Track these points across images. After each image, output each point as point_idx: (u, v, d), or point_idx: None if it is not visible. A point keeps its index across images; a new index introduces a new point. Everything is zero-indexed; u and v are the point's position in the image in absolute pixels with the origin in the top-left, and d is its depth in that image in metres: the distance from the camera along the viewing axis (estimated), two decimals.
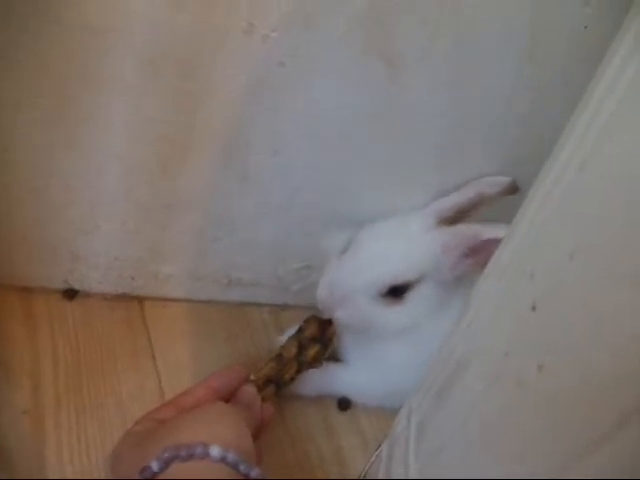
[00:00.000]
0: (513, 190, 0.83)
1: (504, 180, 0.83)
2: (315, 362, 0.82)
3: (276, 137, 0.79)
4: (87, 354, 0.85)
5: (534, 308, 0.44)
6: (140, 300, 0.93)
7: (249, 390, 0.75)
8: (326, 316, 0.82)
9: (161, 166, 0.79)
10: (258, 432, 0.72)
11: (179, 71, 0.71)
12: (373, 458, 0.77)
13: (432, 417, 0.62)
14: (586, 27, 0.73)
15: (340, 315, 0.81)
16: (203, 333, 0.92)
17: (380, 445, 0.76)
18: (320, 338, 0.82)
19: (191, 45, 0.69)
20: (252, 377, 0.77)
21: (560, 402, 0.43)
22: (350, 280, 0.81)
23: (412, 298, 0.82)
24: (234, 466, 0.59)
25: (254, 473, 0.59)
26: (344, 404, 0.90)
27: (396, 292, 0.81)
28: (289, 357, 0.80)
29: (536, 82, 0.78)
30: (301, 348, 0.81)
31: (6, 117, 0.72)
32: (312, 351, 0.81)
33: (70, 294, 0.89)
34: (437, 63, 0.75)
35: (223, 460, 0.59)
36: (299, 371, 0.81)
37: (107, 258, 0.88)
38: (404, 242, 0.82)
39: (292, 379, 0.80)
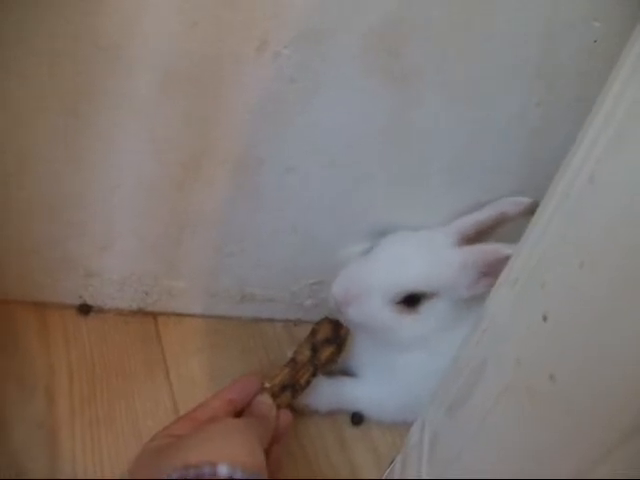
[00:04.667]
0: (534, 210, 0.83)
1: (526, 200, 0.83)
2: (329, 363, 0.82)
3: (289, 154, 0.80)
4: (101, 369, 0.85)
5: (545, 318, 0.45)
6: (154, 315, 0.94)
7: (263, 400, 0.75)
8: (338, 312, 0.82)
9: (175, 183, 0.80)
10: (275, 440, 0.73)
11: (192, 88, 0.72)
12: (386, 474, 0.77)
13: (445, 429, 0.62)
14: (596, 41, 0.73)
15: (351, 312, 0.81)
16: (217, 348, 0.93)
17: (393, 459, 0.76)
18: (334, 339, 0.82)
19: (204, 62, 0.70)
20: (267, 384, 0.77)
21: (572, 411, 0.43)
22: (367, 279, 0.81)
23: (425, 311, 0.82)
24: None
25: None
26: (357, 419, 0.90)
27: (410, 302, 0.81)
28: (303, 361, 0.80)
29: (547, 97, 0.79)
30: (315, 351, 0.81)
31: (21, 134, 0.73)
32: (327, 352, 0.81)
33: (85, 309, 0.90)
34: (448, 79, 0.76)
35: (231, 478, 0.59)
36: (314, 374, 0.81)
37: (121, 274, 0.88)
38: (425, 254, 0.82)
39: (308, 382, 0.80)
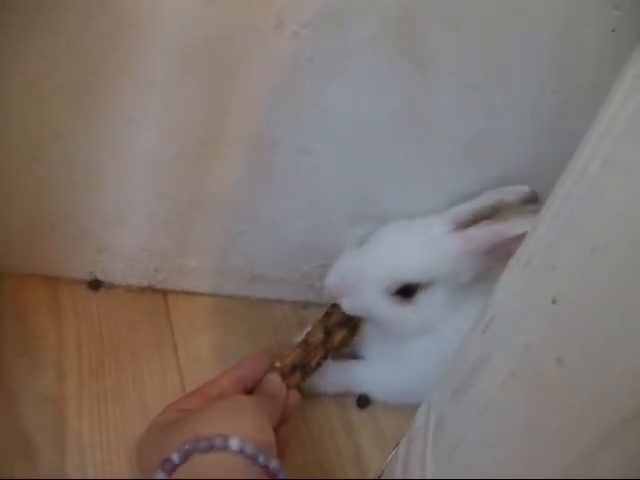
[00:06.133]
0: (533, 199, 0.83)
1: (524, 189, 0.83)
2: (342, 347, 0.82)
3: (304, 135, 0.80)
4: (110, 344, 0.86)
5: (555, 301, 0.45)
6: (164, 293, 0.94)
7: (273, 380, 0.76)
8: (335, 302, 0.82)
9: (190, 162, 0.80)
10: (284, 420, 0.74)
11: (209, 68, 0.72)
12: (390, 456, 0.77)
13: (450, 413, 0.62)
14: (614, 30, 0.73)
15: (346, 304, 0.81)
16: (225, 327, 0.93)
17: (398, 442, 0.76)
18: (347, 323, 0.82)
19: (222, 41, 0.70)
20: (277, 364, 0.78)
21: (579, 395, 0.43)
22: (362, 271, 0.81)
23: (422, 300, 0.82)
24: (253, 458, 0.60)
25: (273, 464, 0.60)
26: (363, 402, 0.90)
27: (406, 292, 0.81)
28: (316, 343, 0.80)
29: (564, 85, 0.78)
30: (328, 334, 0.81)
31: (39, 112, 0.73)
32: (339, 336, 0.81)
33: (95, 285, 0.91)
34: (466, 65, 0.76)
35: (242, 452, 0.59)
36: (325, 357, 0.81)
37: (132, 251, 0.89)
38: (420, 243, 0.82)
39: (319, 365, 0.81)
